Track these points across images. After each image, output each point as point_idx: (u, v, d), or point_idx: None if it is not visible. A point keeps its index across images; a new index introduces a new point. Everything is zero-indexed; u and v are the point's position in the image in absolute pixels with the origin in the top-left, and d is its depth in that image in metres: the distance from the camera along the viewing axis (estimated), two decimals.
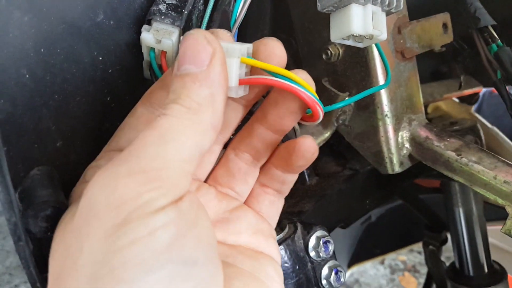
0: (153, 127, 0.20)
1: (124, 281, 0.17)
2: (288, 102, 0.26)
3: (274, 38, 0.26)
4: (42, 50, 0.24)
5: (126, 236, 0.17)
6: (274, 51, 0.25)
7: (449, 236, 0.60)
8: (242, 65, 0.24)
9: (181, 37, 0.23)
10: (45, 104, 0.24)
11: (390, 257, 1.42)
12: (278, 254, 0.29)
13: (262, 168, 0.30)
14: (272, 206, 0.30)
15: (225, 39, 0.25)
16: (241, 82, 0.24)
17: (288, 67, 0.48)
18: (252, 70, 0.26)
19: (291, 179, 0.30)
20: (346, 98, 0.38)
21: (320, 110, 0.25)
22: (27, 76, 0.23)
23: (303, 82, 0.24)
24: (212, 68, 0.21)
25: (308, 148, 0.26)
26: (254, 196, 0.30)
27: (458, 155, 0.35)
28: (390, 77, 0.31)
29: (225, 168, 0.29)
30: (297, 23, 0.41)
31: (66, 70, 0.25)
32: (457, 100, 0.62)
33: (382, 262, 1.43)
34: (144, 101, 0.26)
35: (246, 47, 0.24)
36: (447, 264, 0.58)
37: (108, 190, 0.18)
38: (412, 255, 1.44)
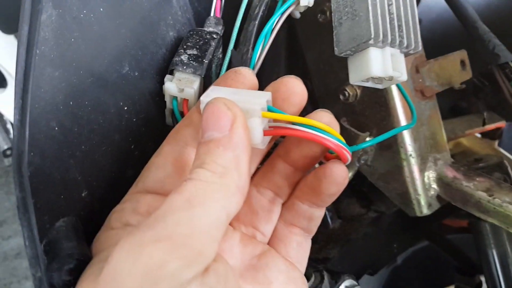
0: (179, 191, 0.19)
1: None
2: (311, 145, 0.26)
3: (293, 76, 0.26)
4: (71, 102, 0.24)
5: None
6: (294, 90, 0.26)
7: (483, 279, 0.57)
8: (264, 119, 0.24)
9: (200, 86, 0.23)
10: (72, 155, 0.24)
11: None
12: None
13: (285, 205, 0.29)
14: (300, 248, 0.29)
15: (248, 76, 0.26)
16: (265, 135, 0.24)
17: (304, 108, 0.48)
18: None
19: (319, 214, 0.28)
20: (367, 138, 0.38)
21: (347, 154, 0.25)
22: (56, 128, 0.23)
23: (326, 128, 0.24)
24: (234, 132, 0.21)
25: (340, 172, 0.25)
26: (280, 238, 0.29)
27: (489, 196, 0.34)
28: (415, 117, 0.31)
29: (248, 206, 0.29)
30: (312, 65, 0.41)
31: (93, 121, 0.26)
32: (479, 135, 0.61)
33: None
34: (169, 140, 0.27)
35: (266, 99, 0.24)
36: None
37: (132, 258, 0.18)
38: None
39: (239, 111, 0.22)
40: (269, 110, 0.24)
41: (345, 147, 0.25)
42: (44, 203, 0.23)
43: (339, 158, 0.26)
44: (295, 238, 0.29)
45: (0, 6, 0.77)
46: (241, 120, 0.22)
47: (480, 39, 0.37)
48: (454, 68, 0.40)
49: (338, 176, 0.25)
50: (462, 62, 0.41)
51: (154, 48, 0.32)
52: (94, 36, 0.27)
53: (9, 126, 1.24)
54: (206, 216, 0.19)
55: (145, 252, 0.17)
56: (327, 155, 0.27)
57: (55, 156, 0.23)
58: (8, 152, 1.22)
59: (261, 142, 0.23)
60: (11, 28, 0.80)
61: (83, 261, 0.23)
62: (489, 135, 0.57)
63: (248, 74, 0.26)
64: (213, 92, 0.24)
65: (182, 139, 0.26)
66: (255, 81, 0.26)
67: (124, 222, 0.24)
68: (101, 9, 0.28)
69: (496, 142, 0.57)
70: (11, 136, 1.27)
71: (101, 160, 0.26)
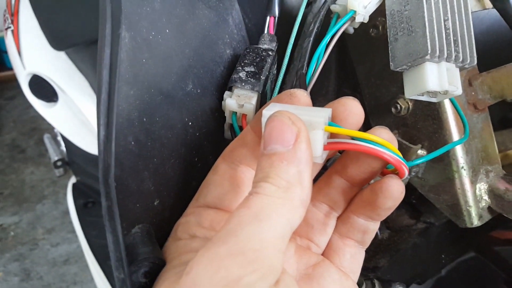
0: (247, 206, 0.21)
1: None
2: (370, 160, 0.27)
3: (351, 97, 0.27)
4: (145, 119, 0.26)
5: None
6: (352, 110, 0.27)
7: None
8: (325, 133, 0.25)
9: (257, 102, 0.24)
10: (146, 167, 0.26)
11: None
12: None
13: (340, 218, 0.30)
14: (354, 259, 0.30)
15: (303, 98, 0.26)
16: (325, 149, 0.25)
17: None
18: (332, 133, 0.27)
19: (373, 227, 0.29)
20: (419, 151, 0.38)
21: (405, 169, 0.25)
22: (133, 143, 0.25)
23: (386, 143, 0.25)
24: (298, 146, 0.22)
25: (397, 187, 0.26)
26: (334, 249, 0.30)
27: None
28: (468, 131, 0.31)
29: (303, 219, 0.30)
30: (363, 78, 0.42)
31: (163, 135, 0.28)
32: None
33: None
34: (225, 158, 0.28)
35: (327, 115, 0.25)
36: None
37: (211, 270, 0.19)
38: None
39: (303, 125, 0.23)
40: (330, 125, 0.25)
41: (404, 162, 0.25)
42: (123, 212, 0.25)
43: (396, 172, 0.26)
44: (349, 250, 0.29)
45: (53, 24, 0.81)
46: (305, 135, 0.23)
47: None
48: (507, 80, 0.39)
49: (395, 191, 0.26)
50: None
51: (214, 66, 0.33)
52: (162, 56, 0.29)
53: (59, 138, 1.30)
54: (273, 230, 0.20)
55: (222, 266, 0.19)
56: (384, 170, 0.28)
57: (132, 168, 0.25)
58: (59, 164, 1.28)
59: (321, 155, 0.24)
60: (62, 45, 0.85)
61: (157, 264, 0.24)
62: None
63: (302, 97, 0.26)
64: (274, 107, 0.25)
65: (237, 158, 0.27)
66: (309, 102, 0.27)
67: (191, 234, 0.26)
68: (167, 31, 0.30)
69: None
70: (62, 147, 1.32)
71: (170, 172, 0.28)
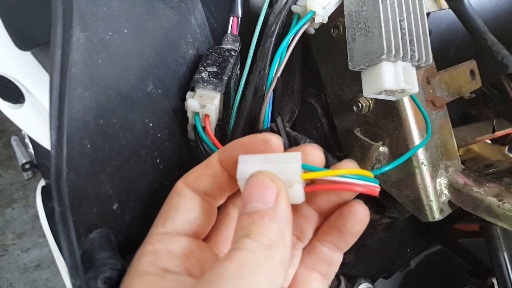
0: (230, 260, 0.20)
1: None
2: (340, 193, 0.27)
3: (314, 145, 0.27)
4: (101, 121, 0.26)
5: None
6: (314, 158, 0.27)
7: (495, 281, 0.57)
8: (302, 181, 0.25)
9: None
10: (104, 170, 0.26)
11: None
12: None
13: (306, 249, 0.30)
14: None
15: (277, 147, 0.26)
16: (307, 190, 0.25)
17: (318, 118, 0.49)
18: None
19: (338, 259, 0.29)
20: (380, 148, 0.39)
21: (377, 189, 0.26)
22: (88, 146, 0.25)
23: (361, 172, 0.25)
24: (279, 204, 0.22)
25: (364, 211, 0.27)
26: (300, 282, 0.29)
27: (499, 201, 0.35)
28: (430, 130, 0.32)
29: None
30: (326, 78, 0.42)
31: (122, 137, 0.27)
32: (489, 142, 0.61)
33: None
34: (189, 184, 0.26)
35: (299, 160, 0.24)
36: None
37: None
38: None
39: (283, 184, 0.23)
40: (304, 168, 0.25)
41: (377, 185, 0.26)
42: (79, 216, 0.24)
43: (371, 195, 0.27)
44: (314, 284, 0.29)
45: (17, 23, 0.79)
46: (285, 194, 0.23)
47: (488, 50, 0.38)
48: (464, 78, 0.41)
49: (363, 215, 0.27)
50: (472, 72, 0.42)
51: (176, 67, 0.33)
52: (120, 56, 0.29)
53: (27, 140, 1.27)
54: (256, 287, 0.20)
55: None
56: None
57: (88, 172, 0.25)
58: (27, 166, 1.24)
59: (302, 197, 0.25)
60: (27, 45, 0.82)
61: (117, 270, 0.24)
62: (499, 141, 0.58)
63: (277, 145, 0.26)
64: (245, 164, 0.24)
65: (203, 187, 0.26)
66: (282, 149, 0.26)
67: (162, 267, 0.24)
68: (125, 31, 0.30)
69: (506, 148, 0.58)
70: (30, 150, 1.29)
71: (129, 175, 0.28)
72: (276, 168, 0.24)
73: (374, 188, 0.26)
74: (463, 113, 0.58)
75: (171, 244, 0.25)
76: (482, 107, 0.52)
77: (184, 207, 0.26)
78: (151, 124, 0.30)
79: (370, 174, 0.26)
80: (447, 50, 0.43)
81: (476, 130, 0.54)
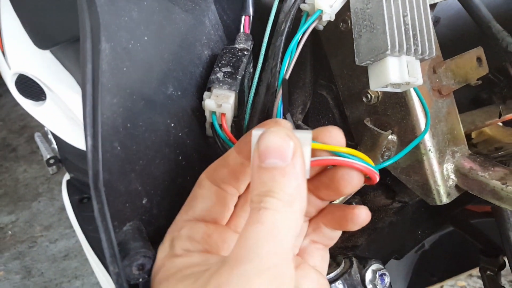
0: (260, 221, 0.22)
1: None
2: (339, 185, 0.29)
3: (335, 127, 0.29)
4: (129, 125, 0.29)
5: None
6: (336, 138, 0.29)
7: (507, 260, 0.59)
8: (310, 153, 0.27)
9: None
10: (133, 169, 0.29)
11: (448, 284, 1.36)
12: None
13: (310, 226, 0.33)
14: (323, 260, 0.34)
15: (286, 126, 0.28)
16: (312, 165, 0.27)
17: (330, 109, 0.51)
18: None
19: (338, 234, 0.33)
20: (390, 137, 0.41)
21: (377, 176, 0.28)
22: (119, 148, 0.28)
23: (362, 156, 0.27)
24: (296, 161, 0.24)
25: (365, 217, 0.29)
26: (308, 252, 0.33)
27: (503, 184, 0.36)
28: (429, 122, 0.34)
29: None
30: (336, 70, 0.44)
31: (147, 138, 0.30)
32: (501, 124, 0.62)
33: None
34: (208, 176, 0.30)
35: (310, 135, 0.27)
36: None
37: None
38: (471, 280, 1.38)
39: (298, 141, 0.25)
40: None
41: (376, 171, 0.28)
42: (114, 211, 0.27)
43: (367, 177, 0.29)
44: (319, 253, 0.33)
45: (36, 23, 0.82)
46: (300, 150, 0.25)
47: (493, 38, 0.39)
48: (471, 65, 0.42)
49: (363, 221, 0.30)
50: (479, 59, 0.43)
51: (193, 68, 0.35)
52: (142, 63, 0.31)
53: (50, 136, 1.31)
54: (286, 244, 0.23)
55: (253, 284, 0.21)
56: None
57: (119, 172, 0.28)
58: (51, 161, 1.29)
59: (308, 171, 0.26)
60: (46, 43, 0.85)
61: (148, 257, 0.27)
62: (510, 124, 0.58)
63: (286, 124, 0.28)
64: (260, 130, 0.26)
65: (220, 177, 0.29)
66: (291, 128, 0.28)
67: (185, 249, 0.28)
68: (146, 38, 0.32)
69: None
70: (53, 145, 1.33)
71: (155, 172, 0.30)
72: None
73: (374, 173, 0.28)
74: (474, 96, 0.59)
75: (192, 230, 0.28)
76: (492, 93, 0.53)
77: (201, 197, 0.29)
78: (172, 124, 0.32)
79: (371, 162, 0.28)
80: (456, 36, 0.44)
81: (486, 114, 0.55)
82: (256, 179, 0.24)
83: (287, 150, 0.24)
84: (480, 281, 1.34)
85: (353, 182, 0.28)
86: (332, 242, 0.33)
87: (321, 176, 0.30)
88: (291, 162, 0.24)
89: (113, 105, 0.28)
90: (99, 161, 0.25)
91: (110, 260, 0.25)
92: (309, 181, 0.30)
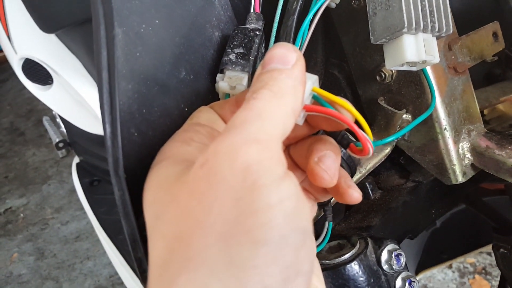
0: (249, 108, 0.22)
1: (259, 242, 0.19)
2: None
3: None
4: (144, 110, 0.28)
5: (260, 200, 0.19)
6: None
7: None
8: (310, 94, 0.26)
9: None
10: (150, 155, 0.28)
11: (457, 260, 1.38)
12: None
13: (304, 180, 0.32)
14: (313, 210, 0.33)
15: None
16: (308, 108, 0.26)
17: (342, 89, 0.50)
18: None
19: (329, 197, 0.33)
20: (404, 116, 0.40)
21: (371, 149, 0.27)
22: (136, 134, 0.27)
23: (362, 122, 0.26)
24: (296, 67, 0.24)
25: (356, 199, 0.29)
26: None
27: None
28: (434, 99, 0.33)
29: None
30: (348, 48, 0.43)
31: (163, 123, 0.30)
32: None
33: (450, 266, 1.39)
34: (216, 107, 0.30)
35: (317, 77, 0.27)
36: None
37: (231, 156, 0.20)
38: (481, 257, 1.39)
39: (302, 56, 0.25)
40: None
41: (371, 143, 0.27)
42: (134, 198, 0.27)
43: (363, 150, 0.27)
44: (309, 202, 0.32)
45: (40, 7, 0.81)
46: (303, 62, 0.25)
47: (510, 12, 0.38)
48: (487, 41, 0.41)
49: (355, 201, 0.29)
50: (495, 34, 0.42)
51: (204, 51, 0.35)
52: (154, 47, 0.31)
53: (58, 120, 1.31)
54: (275, 127, 0.22)
55: (241, 152, 0.20)
56: (351, 145, 0.29)
57: (137, 158, 0.28)
58: (61, 145, 1.29)
59: (302, 117, 0.26)
60: (51, 27, 0.84)
61: None
62: None
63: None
64: None
65: (222, 112, 0.29)
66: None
67: (189, 137, 0.27)
68: (157, 21, 0.32)
69: None
70: (62, 129, 1.33)
71: None
72: None
73: (367, 143, 0.26)
74: (487, 72, 0.58)
75: (197, 130, 0.28)
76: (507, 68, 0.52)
77: (206, 111, 0.29)
78: (186, 109, 0.32)
79: (370, 132, 0.26)
80: (467, 15, 0.43)
81: (500, 90, 0.54)
82: (255, 80, 0.24)
83: (289, 56, 0.24)
84: (490, 258, 1.35)
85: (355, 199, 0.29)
86: (323, 198, 0.32)
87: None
88: (291, 66, 0.24)
89: (128, 91, 0.28)
90: (119, 148, 0.25)
91: (132, 245, 0.25)
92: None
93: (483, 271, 1.37)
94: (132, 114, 0.27)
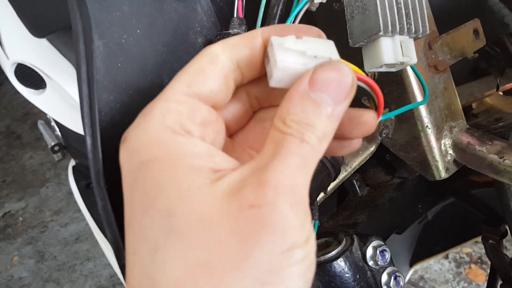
0: (297, 153, 0.22)
1: None
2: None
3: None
4: (127, 120, 0.29)
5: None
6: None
7: (508, 229, 0.60)
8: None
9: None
10: None
11: (454, 251, 1.39)
12: None
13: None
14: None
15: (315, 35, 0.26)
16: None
17: None
18: None
19: None
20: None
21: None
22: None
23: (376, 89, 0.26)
24: (344, 106, 0.23)
25: (373, 123, 0.27)
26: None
27: (500, 158, 0.37)
28: (427, 94, 0.34)
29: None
30: None
31: None
32: (501, 94, 0.62)
33: (446, 257, 1.40)
34: (225, 50, 0.25)
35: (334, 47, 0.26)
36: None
37: (283, 214, 0.21)
38: (477, 247, 1.40)
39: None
40: None
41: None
42: (116, 207, 0.28)
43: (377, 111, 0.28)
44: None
45: (30, 12, 0.81)
46: (354, 91, 0.23)
47: (489, 9, 0.39)
48: (467, 38, 0.42)
49: (372, 125, 0.27)
50: (476, 31, 0.42)
51: (187, 57, 0.35)
52: (136, 57, 0.31)
53: (53, 123, 1.31)
54: (308, 180, 0.22)
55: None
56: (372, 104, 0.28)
57: (119, 168, 0.28)
58: (56, 148, 1.30)
59: None
60: (42, 32, 0.84)
61: None
62: (510, 93, 0.58)
63: (317, 34, 0.27)
64: (286, 40, 0.23)
65: (239, 57, 0.25)
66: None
67: (185, 130, 0.23)
68: (138, 31, 0.32)
69: None
70: (57, 132, 1.33)
71: None
72: (312, 49, 0.23)
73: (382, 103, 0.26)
74: (472, 67, 0.58)
75: (194, 110, 0.24)
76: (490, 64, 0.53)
77: (211, 76, 0.24)
78: None
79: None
80: (451, 8, 0.43)
81: (485, 85, 0.55)
82: (298, 104, 0.22)
83: (343, 92, 0.22)
84: None
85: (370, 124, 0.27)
86: None
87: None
88: (340, 106, 0.22)
89: (110, 102, 0.28)
90: (99, 160, 0.25)
91: (117, 254, 0.26)
92: None
93: (479, 260, 1.38)
94: (115, 125, 0.28)
